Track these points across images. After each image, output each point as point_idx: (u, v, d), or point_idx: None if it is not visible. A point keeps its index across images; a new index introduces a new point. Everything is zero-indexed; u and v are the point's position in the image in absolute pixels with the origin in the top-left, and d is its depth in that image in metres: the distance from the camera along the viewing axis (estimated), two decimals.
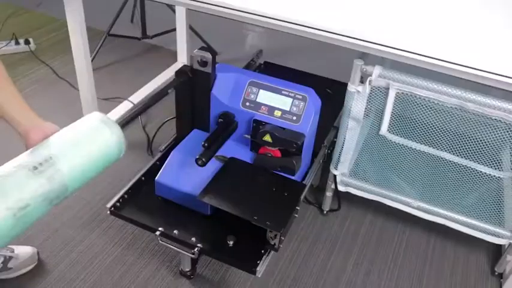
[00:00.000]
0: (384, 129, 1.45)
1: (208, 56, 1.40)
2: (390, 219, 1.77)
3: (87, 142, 0.89)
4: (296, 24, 1.36)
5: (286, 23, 1.37)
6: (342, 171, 1.60)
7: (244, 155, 1.46)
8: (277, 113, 1.40)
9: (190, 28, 2.45)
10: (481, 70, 1.22)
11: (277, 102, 1.41)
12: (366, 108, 1.44)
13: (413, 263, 1.62)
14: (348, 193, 1.65)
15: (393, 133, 1.47)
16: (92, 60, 1.97)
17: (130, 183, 1.44)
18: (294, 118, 1.39)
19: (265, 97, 1.42)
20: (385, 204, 1.61)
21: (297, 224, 1.71)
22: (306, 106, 1.38)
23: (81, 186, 0.89)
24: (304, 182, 1.46)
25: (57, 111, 2.05)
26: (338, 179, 1.62)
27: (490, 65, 1.22)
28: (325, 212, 1.76)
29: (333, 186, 1.66)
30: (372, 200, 1.62)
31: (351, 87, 1.41)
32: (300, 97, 1.39)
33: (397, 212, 1.61)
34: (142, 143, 2.02)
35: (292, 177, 1.41)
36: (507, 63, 1.24)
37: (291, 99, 1.40)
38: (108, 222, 1.66)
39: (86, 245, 1.58)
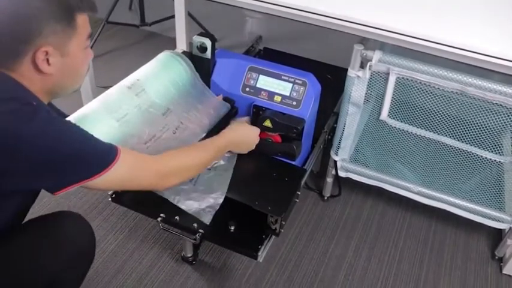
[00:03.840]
0: (384, 114, 1.45)
1: (207, 41, 1.39)
2: (391, 205, 1.77)
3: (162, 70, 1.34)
4: (296, 9, 1.35)
5: (286, 8, 1.36)
6: (342, 156, 1.60)
7: None
8: (277, 98, 1.40)
9: (189, 15, 2.43)
10: (481, 54, 1.22)
11: (277, 87, 1.40)
12: (366, 94, 1.44)
13: (414, 248, 1.62)
14: (348, 179, 1.66)
15: (393, 118, 1.46)
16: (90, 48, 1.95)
17: None
18: (294, 103, 1.38)
19: (265, 82, 1.41)
20: (385, 190, 1.61)
21: (298, 210, 1.71)
22: (306, 91, 1.38)
23: (158, 91, 1.28)
24: (304, 167, 1.46)
25: (56, 100, 2.04)
26: (338, 164, 1.62)
27: (491, 48, 1.21)
28: (325, 198, 1.77)
29: (333, 172, 1.66)
30: (373, 186, 1.63)
31: (351, 73, 1.40)
32: (300, 82, 1.39)
33: (398, 197, 1.61)
34: None
35: (293, 163, 1.41)
36: (508, 47, 1.23)
37: (290, 85, 1.39)
38: (109, 209, 1.66)
39: None
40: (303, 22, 1.37)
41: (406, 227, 1.70)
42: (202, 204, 1.22)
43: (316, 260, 1.56)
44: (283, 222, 1.26)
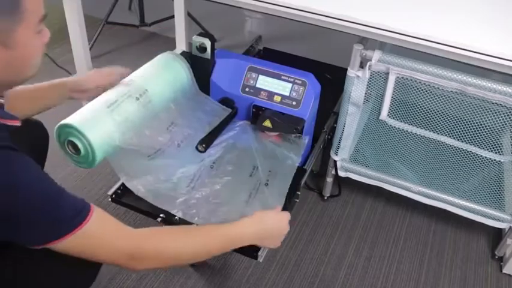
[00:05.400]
0: (384, 114, 1.45)
1: (207, 41, 1.39)
2: (391, 204, 1.77)
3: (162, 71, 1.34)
4: (295, 9, 1.35)
5: (286, 8, 1.36)
6: (342, 156, 1.60)
7: None
8: (277, 98, 1.40)
9: (189, 15, 2.43)
10: (481, 54, 1.21)
11: (277, 87, 1.40)
12: (365, 93, 1.44)
13: (414, 248, 1.62)
14: (348, 179, 1.66)
15: (393, 118, 1.46)
16: (90, 49, 1.96)
17: None
18: (294, 103, 1.38)
19: (264, 82, 1.41)
20: (385, 190, 1.61)
21: (298, 209, 1.71)
22: (306, 91, 1.38)
23: (158, 91, 1.28)
24: (304, 167, 1.46)
25: None
26: (338, 164, 1.62)
27: (491, 48, 1.21)
28: (325, 198, 1.77)
29: (333, 171, 1.66)
30: (373, 185, 1.63)
31: (351, 72, 1.40)
32: (300, 82, 1.39)
33: (398, 197, 1.61)
34: None
35: None
36: (508, 47, 1.23)
37: (290, 84, 1.39)
38: (109, 210, 1.65)
39: None
40: (303, 22, 1.37)
41: (406, 226, 1.70)
42: None
43: (316, 259, 1.56)
44: None
